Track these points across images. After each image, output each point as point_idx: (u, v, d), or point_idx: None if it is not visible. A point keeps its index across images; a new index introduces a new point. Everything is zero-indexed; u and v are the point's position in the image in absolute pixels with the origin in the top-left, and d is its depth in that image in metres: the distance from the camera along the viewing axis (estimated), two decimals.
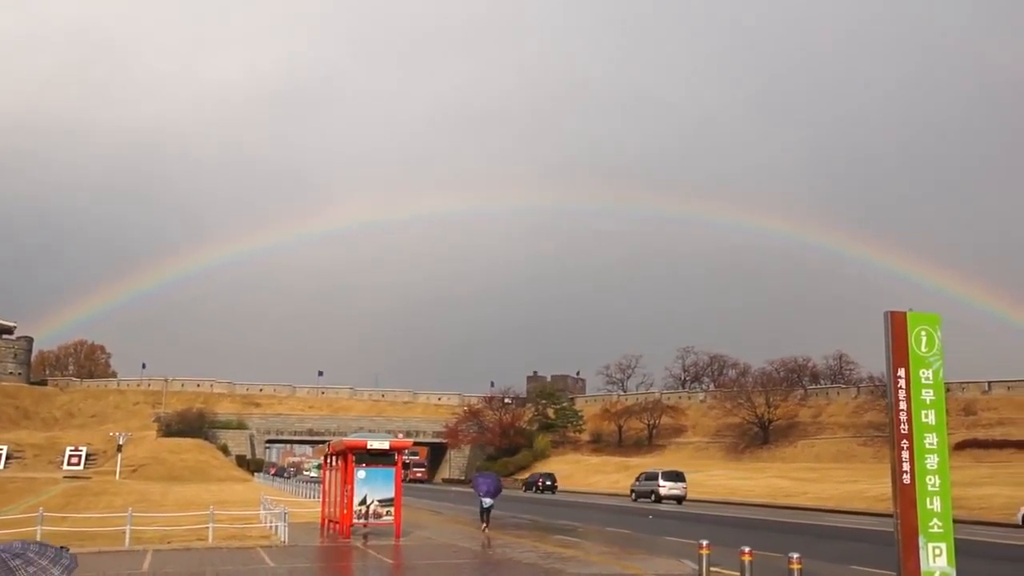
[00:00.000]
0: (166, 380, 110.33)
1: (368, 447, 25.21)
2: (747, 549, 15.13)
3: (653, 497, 55.35)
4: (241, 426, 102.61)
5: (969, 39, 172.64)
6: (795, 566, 13.78)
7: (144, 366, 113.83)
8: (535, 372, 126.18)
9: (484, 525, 27.33)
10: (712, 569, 16.41)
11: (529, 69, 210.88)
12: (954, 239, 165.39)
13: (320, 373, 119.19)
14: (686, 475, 57.24)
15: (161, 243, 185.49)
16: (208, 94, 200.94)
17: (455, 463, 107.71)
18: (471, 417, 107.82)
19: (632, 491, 59.82)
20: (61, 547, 3.47)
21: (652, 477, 58.21)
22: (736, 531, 29.79)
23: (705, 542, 16.76)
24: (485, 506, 27.30)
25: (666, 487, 55.42)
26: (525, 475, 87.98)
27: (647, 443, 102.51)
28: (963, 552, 13.23)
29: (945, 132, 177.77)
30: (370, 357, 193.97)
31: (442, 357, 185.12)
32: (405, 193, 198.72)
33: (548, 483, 75.83)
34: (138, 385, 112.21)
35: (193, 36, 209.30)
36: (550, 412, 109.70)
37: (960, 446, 76.29)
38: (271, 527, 25.97)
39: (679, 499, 54.65)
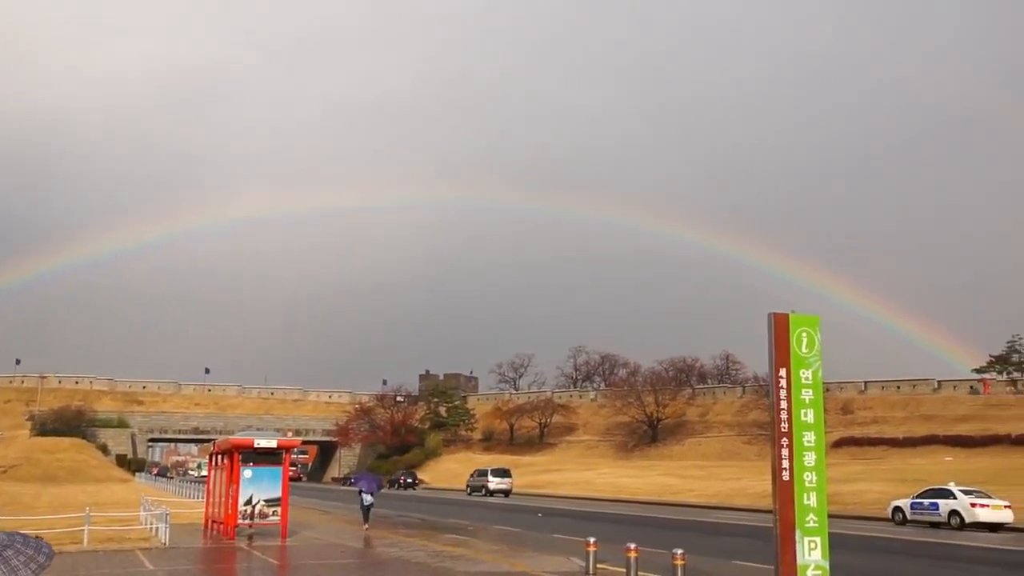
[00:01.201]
0: (42, 377, 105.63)
1: (255, 445, 24.68)
2: (633, 546, 15.40)
3: (484, 491, 62.11)
4: (122, 424, 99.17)
5: (846, 45, 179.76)
6: (679, 562, 14.10)
7: (18, 362, 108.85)
8: (428, 371, 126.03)
9: (365, 524, 27.63)
10: (599, 566, 16.64)
11: (427, 68, 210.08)
12: (836, 244, 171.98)
13: (207, 370, 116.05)
14: (577, 472, 59.07)
15: (41, 235, 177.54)
16: (101, 85, 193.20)
17: (345, 462, 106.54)
18: (362, 415, 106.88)
19: (467, 486, 65.67)
20: (37, 537, 3.51)
21: (483, 473, 65.04)
22: (624, 528, 30.29)
23: (592, 539, 16.98)
24: (366, 503, 27.90)
25: (494, 482, 62.49)
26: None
27: (538, 441, 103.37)
28: (836, 546, 13.73)
29: (829, 139, 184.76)
30: (260, 355, 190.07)
31: (334, 355, 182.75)
32: (301, 188, 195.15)
33: (409, 481, 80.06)
34: (10, 382, 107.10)
35: (88, 25, 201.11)
36: (442, 410, 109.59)
37: (837, 444, 79.44)
38: (151, 529, 25.14)
39: (506, 493, 61.17)
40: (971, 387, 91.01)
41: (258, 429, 49.85)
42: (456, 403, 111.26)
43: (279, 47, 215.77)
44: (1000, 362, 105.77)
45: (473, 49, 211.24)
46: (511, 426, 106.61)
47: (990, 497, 33.87)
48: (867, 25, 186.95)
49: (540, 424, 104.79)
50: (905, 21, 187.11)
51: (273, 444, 25.05)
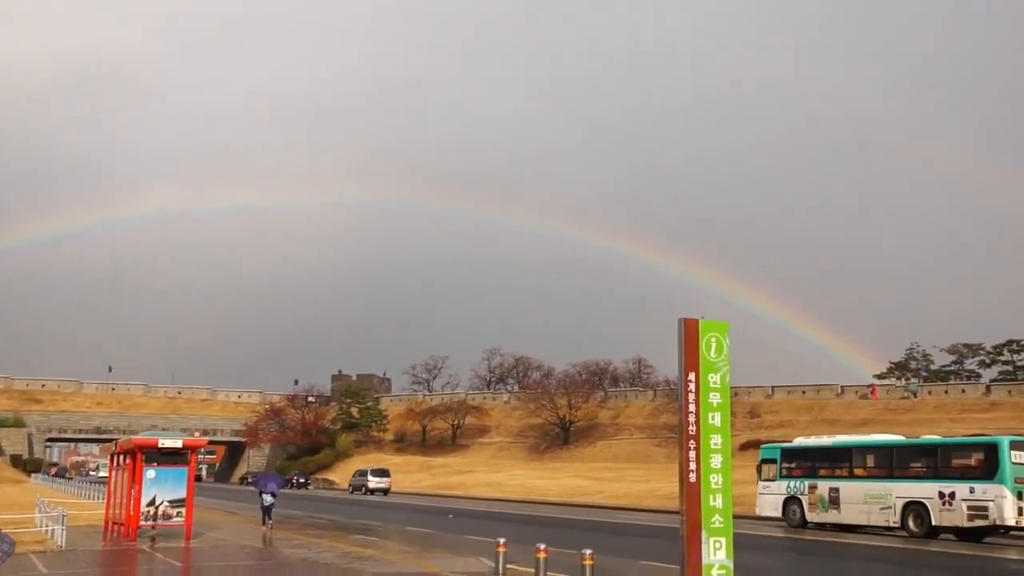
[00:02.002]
0: None
1: (159, 445, 24.12)
2: (542, 546, 15.53)
3: (364, 490, 67.14)
4: (18, 423, 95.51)
5: (767, 56, 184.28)
6: (587, 562, 14.27)
7: None
8: (340, 371, 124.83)
9: (267, 524, 27.43)
10: (508, 566, 16.72)
11: (344, 67, 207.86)
12: (748, 253, 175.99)
13: (110, 369, 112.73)
14: (489, 474, 59.56)
15: None
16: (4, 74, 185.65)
17: (254, 462, 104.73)
18: (272, 415, 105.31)
19: (350, 485, 70.44)
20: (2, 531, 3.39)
21: (364, 473, 70.13)
22: (535, 529, 30.49)
23: (502, 540, 17.05)
24: (266, 503, 27.77)
25: (373, 481, 67.93)
26: (325, 474, 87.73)
27: (451, 443, 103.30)
28: (741, 546, 14.06)
29: (742, 150, 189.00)
30: (167, 353, 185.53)
31: (245, 354, 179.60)
32: (213, 184, 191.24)
33: (302, 480, 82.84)
34: None
35: None
36: (354, 411, 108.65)
37: (744, 446, 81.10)
38: (47, 531, 24.31)
39: (384, 491, 66.65)
40: (861, 393, 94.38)
41: (163, 429, 48.72)
42: (368, 404, 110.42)
43: (190, 39, 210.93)
44: (899, 368, 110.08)
45: (393, 50, 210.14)
46: (424, 427, 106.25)
47: None
48: (787, 39, 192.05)
49: (453, 425, 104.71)
50: (807, 26, 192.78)
51: (178, 444, 24.53)
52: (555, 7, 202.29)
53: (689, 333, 12.65)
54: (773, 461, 35.61)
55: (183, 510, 23.91)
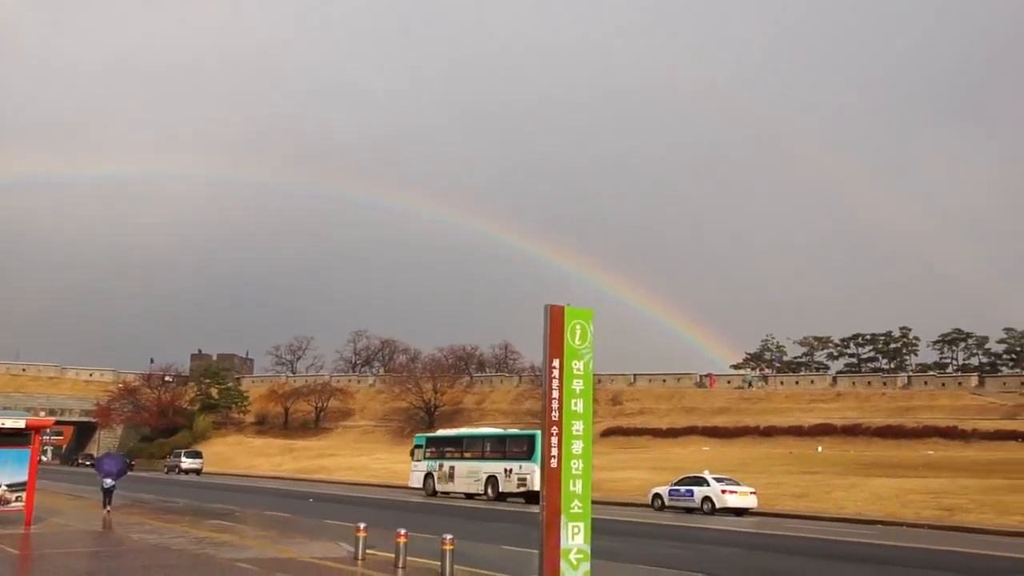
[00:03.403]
0: None
1: None
2: (403, 531, 15.45)
3: (177, 471, 72.35)
4: None
5: (659, 54, 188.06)
6: (448, 547, 14.27)
7: None
8: (200, 350, 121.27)
9: (107, 507, 26.37)
10: (368, 551, 16.57)
11: (219, 39, 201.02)
12: (614, 244, 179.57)
13: None
14: (353, 457, 59.72)
15: None
16: None
17: (105, 443, 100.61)
18: (126, 395, 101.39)
19: (165, 466, 75.87)
20: None
21: (178, 455, 75.75)
22: (396, 514, 30.35)
23: (363, 525, 16.87)
24: (106, 487, 26.69)
25: (187, 462, 73.29)
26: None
27: (314, 426, 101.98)
28: (599, 531, 14.34)
29: (616, 142, 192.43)
30: (12, 328, 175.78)
31: (99, 331, 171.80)
32: (71, 151, 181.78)
33: (126, 461, 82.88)
34: None
35: None
36: (214, 392, 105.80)
37: (606, 433, 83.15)
38: None
39: (197, 471, 71.80)
40: (699, 382, 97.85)
41: (5, 408, 46.22)
42: (229, 385, 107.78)
43: (51, 2, 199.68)
44: (755, 359, 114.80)
45: (265, 23, 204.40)
46: (287, 410, 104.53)
47: (738, 484, 36.56)
48: (671, 34, 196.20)
49: (317, 408, 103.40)
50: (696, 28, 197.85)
51: (20, 424, 23.19)
52: None
53: (554, 320, 12.75)
54: (421, 447, 46.56)
55: (23, 494, 22.66)
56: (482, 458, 42.04)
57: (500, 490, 39.93)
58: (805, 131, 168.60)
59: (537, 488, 32.57)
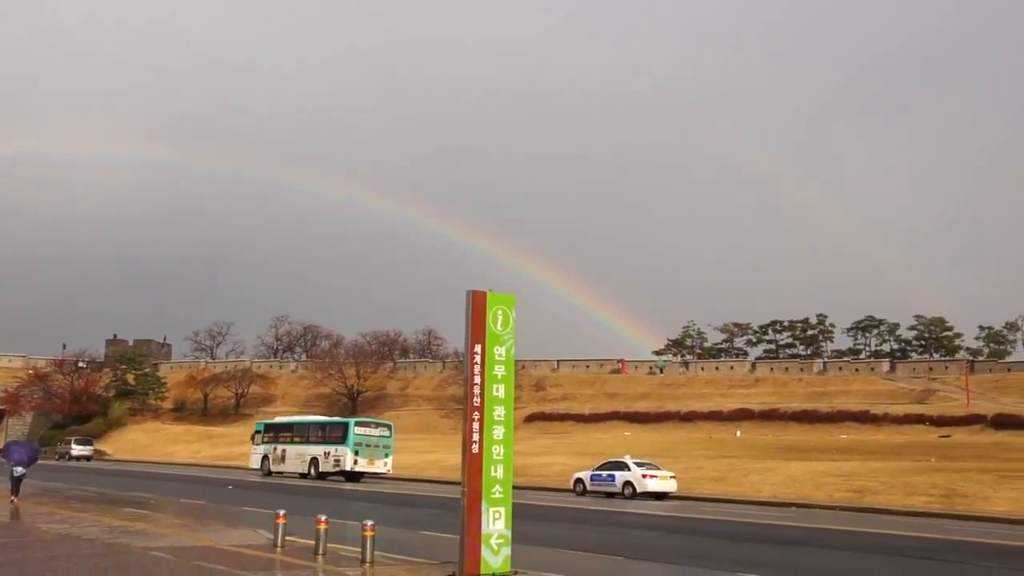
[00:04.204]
0: None
1: None
2: (323, 517, 15.33)
3: (67, 457, 74.01)
4: None
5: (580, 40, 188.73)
6: (368, 533, 14.21)
7: None
8: (116, 336, 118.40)
9: (13, 496, 25.57)
10: (288, 538, 16.41)
11: (143, 19, 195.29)
12: (539, 230, 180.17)
13: None
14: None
15: None
16: None
17: (14, 431, 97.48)
18: (36, 381, 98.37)
19: (56, 453, 76.85)
20: None
21: (68, 442, 77.37)
22: (317, 501, 30.11)
23: (282, 512, 16.70)
24: (16, 475, 25.85)
25: (76, 449, 75.17)
26: (97, 444, 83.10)
27: (234, 412, 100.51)
28: (520, 516, 14.44)
29: (544, 130, 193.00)
30: None
31: (8, 316, 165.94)
32: None
33: (36, 449, 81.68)
34: None
35: None
36: (130, 378, 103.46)
37: (529, 419, 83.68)
38: None
39: (88, 458, 74.29)
40: (612, 368, 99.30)
41: None
42: (146, 371, 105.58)
43: None
44: (676, 345, 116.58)
45: (192, 4, 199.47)
46: (206, 396, 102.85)
47: (659, 469, 37.15)
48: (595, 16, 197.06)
49: (237, 394, 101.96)
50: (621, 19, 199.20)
51: None
52: None
53: (477, 305, 12.77)
54: (260, 432, 51.93)
55: None
56: (307, 442, 47.68)
57: (320, 469, 45.48)
58: (726, 124, 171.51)
59: (348, 468, 44.21)
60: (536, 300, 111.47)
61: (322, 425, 49.07)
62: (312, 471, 45.84)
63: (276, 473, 48.03)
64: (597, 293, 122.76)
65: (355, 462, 44.31)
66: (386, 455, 45.76)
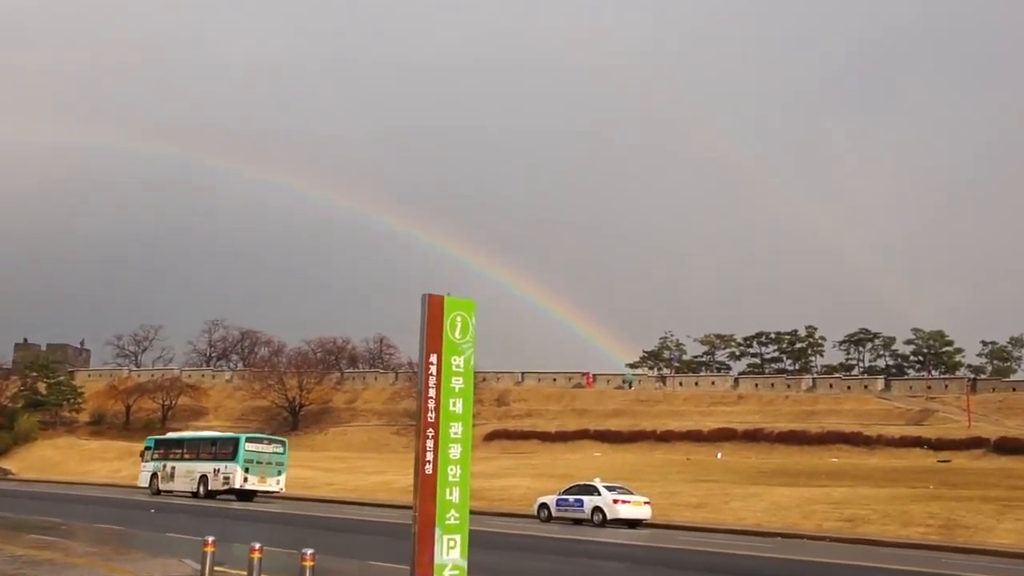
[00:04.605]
0: None
1: None
2: (257, 545, 15.11)
3: None
4: None
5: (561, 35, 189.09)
6: (308, 563, 14.02)
7: None
8: (26, 339, 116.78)
9: None
10: (217, 568, 16.17)
11: None
12: (503, 231, 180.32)
13: None
14: None
15: None
16: None
17: None
18: None
19: None
20: None
21: None
22: (252, 526, 29.82)
23: (211, 538, 16.45)
24: None
25: None
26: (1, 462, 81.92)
27: (160, 426, 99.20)
28: (478, 544, 14.34)
29: (511, 129, 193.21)
30: None
31: None
32: None
33: None
34: None
35: None
36: (41, 387, 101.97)
37: (490, 436, 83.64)
38: None
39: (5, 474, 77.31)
40: (575, 382, 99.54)
41: None
42: (60, 379, 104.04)
43: None
44: (652, 357, 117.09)
45: None
46: (128, 408, 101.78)
47: (632, 493, 37.21)
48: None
49: (164, 406, 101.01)
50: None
51: None
52: None
53: (433, 311, 12.67)
54: (150, 448, 53.32)
55: None
56: (197, 459, 49.34)
57: (209, 488, 46.94)
58: (710, 122, 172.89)
59: (238, 486, 45.69)
60: (500, 306, 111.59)
61: (212, 441, 50.95)
62: (201, 489, 47.37)
63: (165, 492, 49.44)
64: (569, 301, 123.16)
65: (245, 480, 45.87)
66: (279, 472, 47.24)
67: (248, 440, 47.82)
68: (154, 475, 51.09)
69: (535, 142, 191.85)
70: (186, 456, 50.35)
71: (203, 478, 47.48)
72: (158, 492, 49.82)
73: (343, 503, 46.73)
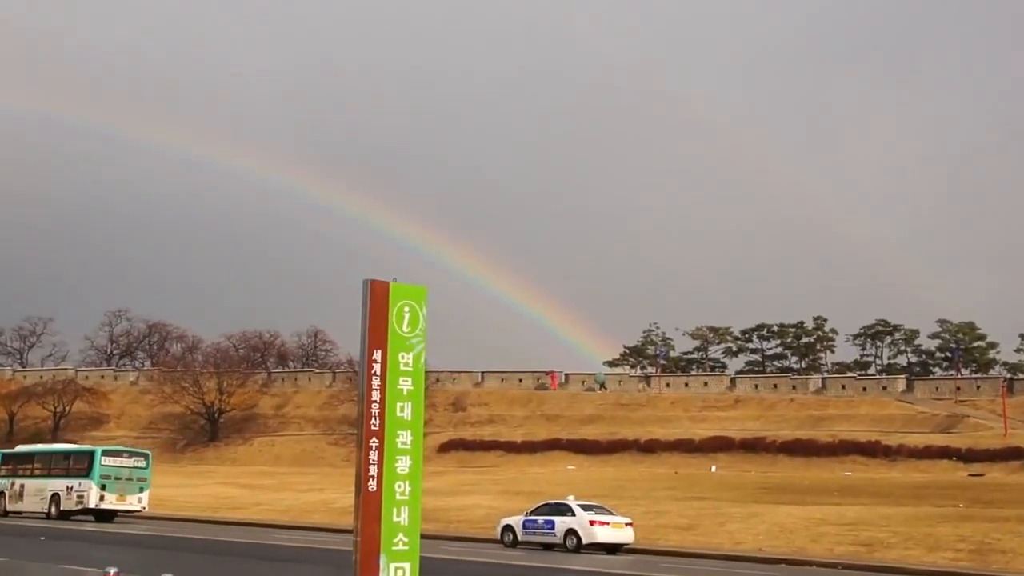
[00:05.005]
0: None
1: None
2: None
3: None
4: None
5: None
6: None
7: None
8: None
9: None
10: None
11: None
12: (462, 205, 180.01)
13: None
14: None
15: None
16: None
17: None
18: None
19: None
20: None
21: None
22: (160, 555, 29.59)
23: (113, 570, 16.33)
24: None
25: None
26: None
27: (50, 437, 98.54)
28: (430, 573, 14.34)
29: (482, 112, 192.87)
30: None
31: None
32: None
33: None
34: None
35: None
36: None
37: (445, 447, 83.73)
38: None
39: None
40: (540, 382, 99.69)
41: None
42: None
43: None
44: (634, 354, 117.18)
45: None
46: (12, 415, 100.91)
47: (612, 513, 37.27)
48: None
49: (56, 413, 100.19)
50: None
51: None
52: None
53: (376, 299, 12.58)
54: None
55: None
56: (49, 475, 49.60)
57: (62, 508, 46.98)
58: (708, 95, 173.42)
59: (93, 505, 45.57)
60: (456, 295, 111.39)
61: (66, 454, 51.62)
62: (52, 510, 47.44)
63: (13, 513, 49.36)
64: (538, 289, 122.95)
65: (102, 498, 46.11)
66: (141, 489, 47.57)
67: (105, 454, 48.13)
68: (1, 494, 50.88)
69: (505, 118, 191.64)
70: (37, 472, 50.60)
71: (55, 497, 47.54)
72: (5, 513, 49.67)
73: (272, 526, 46.53)
